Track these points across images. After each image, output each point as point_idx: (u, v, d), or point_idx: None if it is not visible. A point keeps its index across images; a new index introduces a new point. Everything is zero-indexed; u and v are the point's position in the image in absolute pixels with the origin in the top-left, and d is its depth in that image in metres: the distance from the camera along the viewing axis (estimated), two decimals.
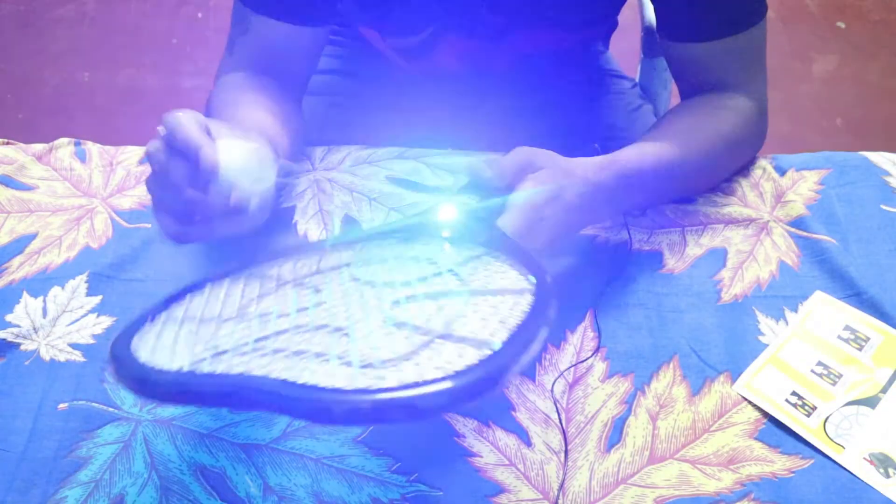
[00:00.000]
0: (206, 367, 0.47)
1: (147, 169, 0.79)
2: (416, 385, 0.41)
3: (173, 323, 0.55)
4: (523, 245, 0.59)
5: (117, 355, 0.51)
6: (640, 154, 0.69)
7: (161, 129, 0.56)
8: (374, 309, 0.51)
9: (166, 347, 0.51)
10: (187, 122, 0.54)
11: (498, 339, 0.45)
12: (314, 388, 0.42)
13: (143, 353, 0.51)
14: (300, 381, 0.43)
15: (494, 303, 0.50)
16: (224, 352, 0.49)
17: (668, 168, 0.70)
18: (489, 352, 0.44)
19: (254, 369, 0.46)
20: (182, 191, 0.54)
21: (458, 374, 0.42)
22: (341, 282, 0.57)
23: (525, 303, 0.49)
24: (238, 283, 0.60)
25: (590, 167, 0.65)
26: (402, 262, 0.58)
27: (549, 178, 0.62)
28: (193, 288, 0.60)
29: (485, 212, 0.61)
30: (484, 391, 0.42)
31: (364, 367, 0.44)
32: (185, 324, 0.55)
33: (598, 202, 0.66)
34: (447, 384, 0.41)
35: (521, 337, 0.45)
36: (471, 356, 0.43)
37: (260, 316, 0.53)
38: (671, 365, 0.65)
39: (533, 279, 0.51)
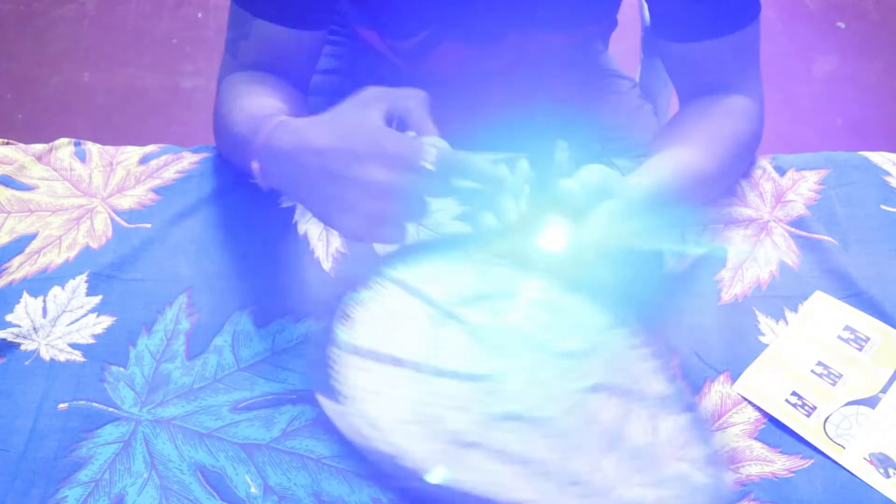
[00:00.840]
0: (461, 475, 0.51)
1: (146, 170, 0.79)
2: None
3: (359, 359, 0.57)
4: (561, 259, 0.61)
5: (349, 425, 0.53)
6: (674, 173, 0.68)
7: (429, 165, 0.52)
8: (572, 407, 0.57)
9: (383, 411, 0.54)
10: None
11: None
12: None
13: (356, 414, 0.53)
14: None
15: (681, 441, 0.56)
16: (466, 446, 0.53)
17: (702, 183, 0.70)
18: None
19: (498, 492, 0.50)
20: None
21: None
22: (502, 333, 0.60)
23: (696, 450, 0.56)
24: (386, 296, 0.61)
25: (648, 197, 0.63)
26: (551, 310, 0.62)
27: (622, 214, 0.60)
28: (341, 293, 0.60)
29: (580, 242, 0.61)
30: None
31: None
32: (377, 367, 0.56)
33: (646, 229, 0.65)
34: None
35: None
36: None
37: (459, 377, 0.57)
38: (671, 365, 0.65)
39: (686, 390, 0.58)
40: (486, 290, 0.62)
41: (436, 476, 0.51)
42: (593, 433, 0.55)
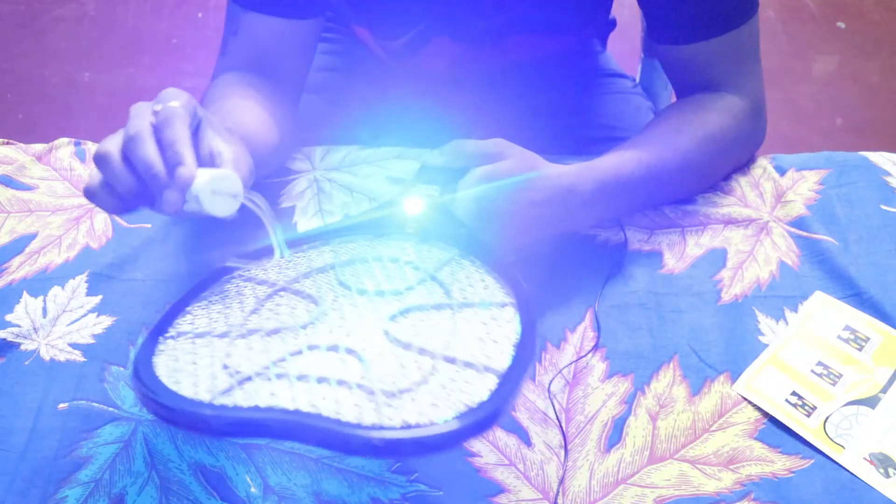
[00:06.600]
0: (237, 399, 0.49)
1: None
2: (430, 426, 0.45)
3: (185, 340, 0.56)
4: (491, 240, 0.61)
5: (143, 380, 0.51)
6: (620, 159, 0.69)
7: (157, 107, 0.52)
8: (375, 326, 0.54)
9: (187, 371, 0.52)
10: (179, 121, 0.51)
11: (500, 366, 0.49)
12: (338, 421, 0.46)
13: (164, 376, 0.52)
14: (326, 414, 0.46)
15: (483, 318, 0.54)
16: (248, 378, 0.51)
17: (650, 171, 0.70)
18: (495, 380, 0.48)
19: (283, 401, 0.48)
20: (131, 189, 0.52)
21: (470, 412, 0.46)
22: (332, 288, 0.59)
23: (509, 316, 0.53)
24: (231, 290, 0.60)
25: (564, 172, 0.65)
26: (384, 265, 0.60)
27: (510, 169, 0.62)
28: (189, 299, 0.60)
29: (446, 203, 0.63)
30: (494, 422, 0.46)
31: (387, 396, 0.48)
32: (198, 341, 0.55)
33: (573, 207, 0.65)
34: (459, 423, 0.45)
35: (520, 359, 0.50)
36: (479, 387, 0.47)
37: (270, 332, 0.55)
38: (671, 365, 0.65)
39: (510, 298, 0.55)
40: (332, 261, 0.61)
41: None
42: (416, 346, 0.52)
